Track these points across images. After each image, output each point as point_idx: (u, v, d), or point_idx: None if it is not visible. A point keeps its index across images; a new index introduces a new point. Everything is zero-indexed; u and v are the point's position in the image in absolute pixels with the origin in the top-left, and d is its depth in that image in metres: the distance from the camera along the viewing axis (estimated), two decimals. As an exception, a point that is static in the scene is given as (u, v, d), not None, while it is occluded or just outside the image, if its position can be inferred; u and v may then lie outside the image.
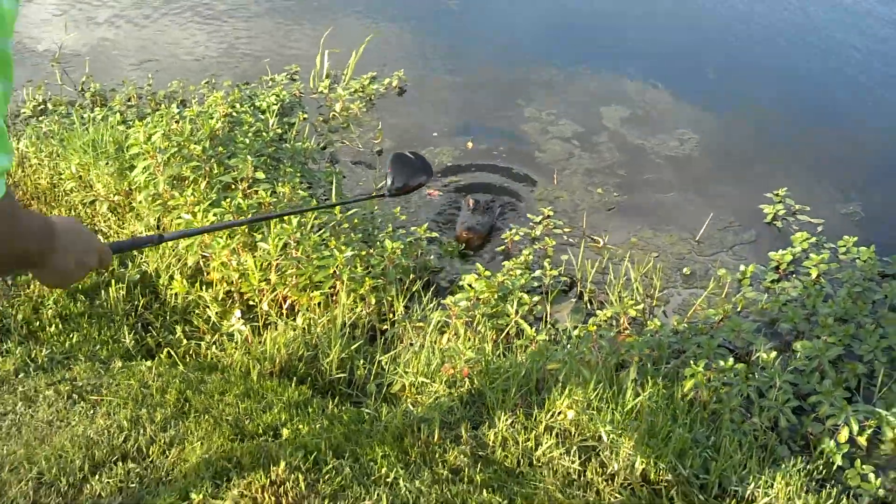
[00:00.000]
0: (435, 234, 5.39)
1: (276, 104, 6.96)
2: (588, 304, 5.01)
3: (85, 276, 1.87)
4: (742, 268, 5.21)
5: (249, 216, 4.77)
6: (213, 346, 4.44)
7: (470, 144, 6.86)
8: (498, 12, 9.81)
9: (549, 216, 5.86)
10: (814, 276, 5.02)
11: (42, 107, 7.24)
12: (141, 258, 5.05)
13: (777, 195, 5.96)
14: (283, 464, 3.32)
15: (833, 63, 8.41)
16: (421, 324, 4.45)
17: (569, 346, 4.18)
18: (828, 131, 7.09)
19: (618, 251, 5.55)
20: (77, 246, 1.76)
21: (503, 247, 5.56)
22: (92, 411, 3.68)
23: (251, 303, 4.69)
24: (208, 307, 4.63)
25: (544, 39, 9.04)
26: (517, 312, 4.44)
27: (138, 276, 4.88)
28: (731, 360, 4.09)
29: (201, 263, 4.91)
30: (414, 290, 4.75)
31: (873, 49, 8.61)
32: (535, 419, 3.79)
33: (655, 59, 8.47)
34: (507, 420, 3.76)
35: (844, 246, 5.29)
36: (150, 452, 3.44)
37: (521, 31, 9.24)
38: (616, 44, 8.87)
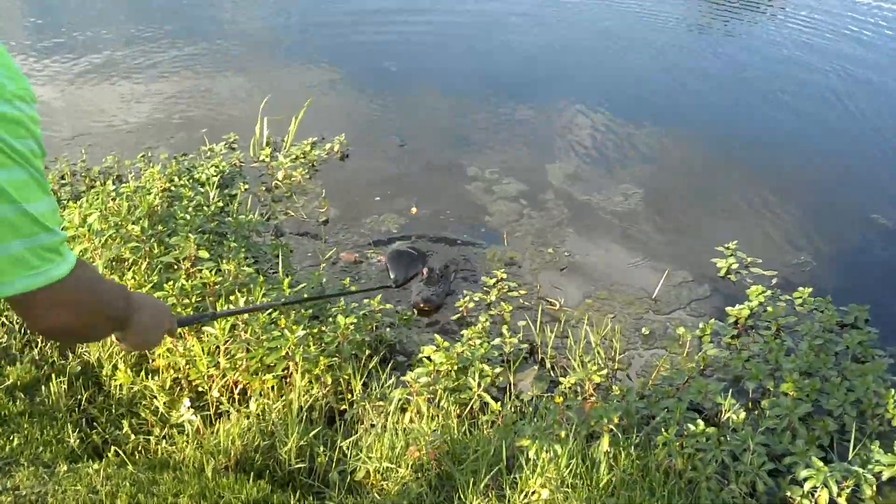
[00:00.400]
0: (388, 305, 5.23)
1: (217, 175, 6.78)
2: (551, 371, 4.89)
3: (163, 339, 2.12)
4: (701, 325, 5.17)
5: (195, 298, 4.58)
6: (163, 441, 4.19)
7: (414, 210, 6.77)
8: (437, 73, 9.84)
9: (501, 279, 5.76)
10: (773, 329, 5.00)
11: (-31, 189, 6.92)
12: (82, 348, 4.79)
13: (728, 248, 5.97)
14: (245, 572, 3.10)
15: (770, 110, 8.59)
16: (381, 402, 4.27)
17: (536, 419, 4.04)
18: (770, 182, 7.16)
19: (574, 313, 5.47)
20: (153, 310, 1.99)
21: (458, 315, 5.43)
22: (35, 525, 3.40)
23: (200, 389, 4.46)
24: (155, 397, 4.39)
25: (484, 96, 9.08)
26: (479, 385, 4.29)
27: (80, 367, 4.62)
28: (700, 424, 4.00)
29: (146, 351, 4.66)
30: (371, 365, 4.58)
31: (813, 94, 8.84)
32: (509, 502, 3.63)
33: (595, 110, 8.56)
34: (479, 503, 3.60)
35: (800, 297, 5.29)
36: (100, 568, 3.18)
37: (460, 90, 9.27)
38: (554, 96, 8.93)
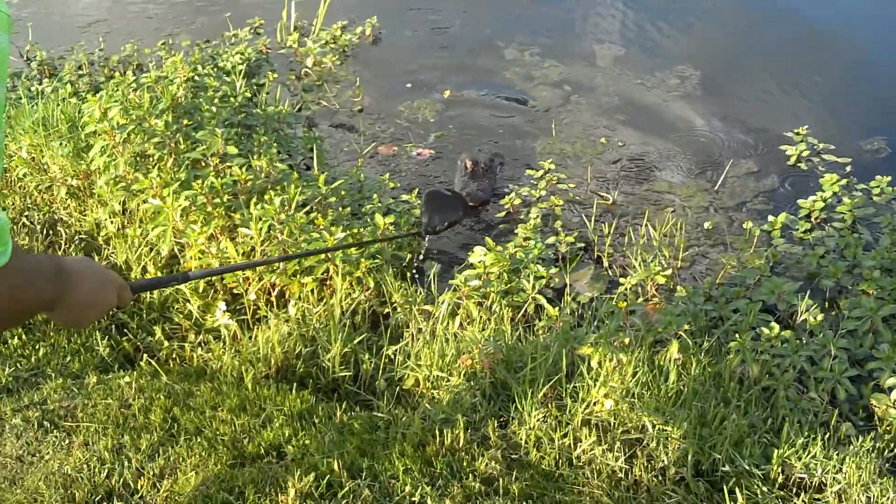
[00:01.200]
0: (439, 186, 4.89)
1: (242, 63, 6.35)
2: (609, 271, 4.56)
3: (104, 314, 1.89)
4: (770, 218, 4.79)
5: (226, 197, 4.27)
6: (199, 348, 3.97)
7: (447, 93, 6.34)
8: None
9: (549, 170, 5.38)
10: (850, 222, 4.62)
11: (-16, 81, 6.58)
12: (108, 249, 4.54)
13: (798, 133, 5.51)
14: (292, 491, 2.89)
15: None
16: (428, 307, 3.99)
17: (597, 324, 3.74)
18: (842, 59, 6.61)
19: (629, 208, 5.11)
20: (93, 284, 1.74)
21: (504, 212, 5.09)
22: (67, 441, 3.20)
23: (236, 292, 4.21)
24: (188, 301, 4.14)
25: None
26: (534, 288, 3.99)
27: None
28: (776, 327, 3.69)
29: (176, 252, 4.40)
30: (414, 266, 4.30)
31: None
32: (570, 412, 3.37)
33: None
34: (537, 415, 3.34)
35: (878, 186, 4.88)
36: (139, 487, 2.99)
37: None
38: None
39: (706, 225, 4.90)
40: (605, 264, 4.60)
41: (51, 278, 1.61)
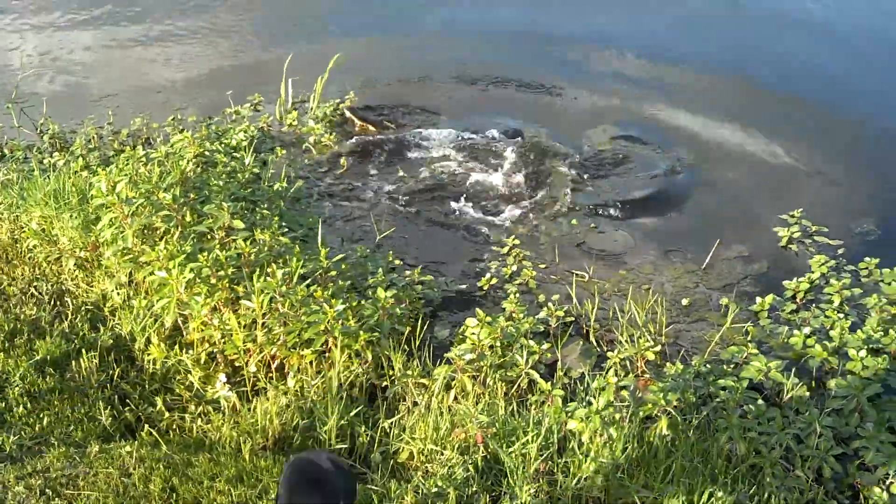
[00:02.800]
0: (429, 277, 5.02)
1: (247, 140, 6.56)
2: (597, 345, 4.67)
3: None
4: (758, 299, 4.92)
5: (229, 269, 4.40)
6: (199, 419, 4.05)
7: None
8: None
9: (514, 246, 5.57)
10: (837, 303, 4.74)
11: (-1, 153, 6.79)
12: (114, 320, 4.65)
13: (792, 216, 5.68)
14: (287, 562, 2.94)
15: (838, 63, 8.19)
16: (424, 380, 4.09)
17: (588, 398, 3.83)
18: (835, 144, 6.85)
19: (606, 285, 5.25)
20: None
21: (483, 287, 5.24)
22: (68, 509, 3.27)
23: (236, 364, 4.31)
24: (190, 372, 4.24)
25: (508, 50, 8.75)
26: (527, 362, 4.10)
27: (111, 340, 4.48)
28: (762, 405, 3.79)
29: (179, 323, 4.52)
30: (414, 339, 4.39)
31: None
32: (561, 487, 3.45)
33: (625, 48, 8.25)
34: (529, 490, 3.41)
35: (866, 268, 5.02)
36: (137, 556, 3.05)
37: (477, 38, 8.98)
38: (595, 60, 8.60)
39: (684, 301, 5.04)
40: (593, 340, 4.71)
41: None
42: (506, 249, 5.57)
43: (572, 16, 9.35)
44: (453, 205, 6.20)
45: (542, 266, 5.47)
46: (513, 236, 5.71)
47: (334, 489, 2.11)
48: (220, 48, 9.03)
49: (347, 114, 7.37)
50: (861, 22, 9.20)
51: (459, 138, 7.07)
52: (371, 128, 7.24)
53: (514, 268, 5.37)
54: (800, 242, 5.55)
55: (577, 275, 5.30)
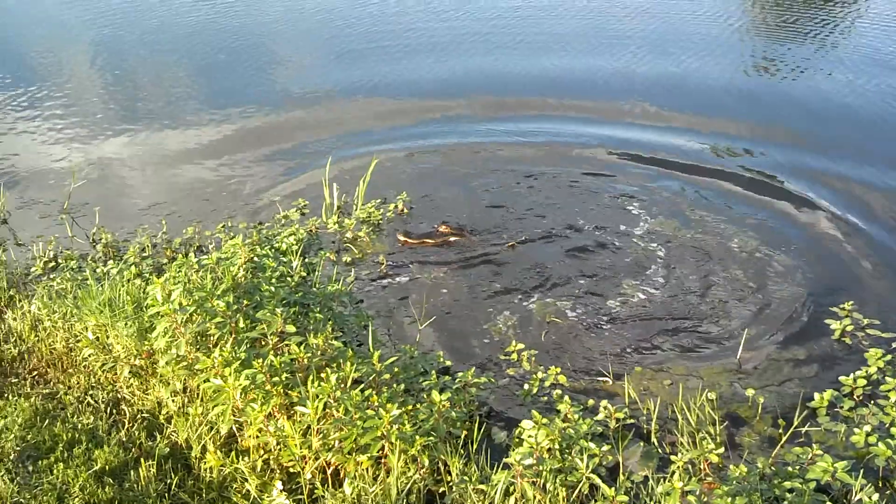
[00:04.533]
0: (483, 379, 5.01)
1: (297, 244, 6.69)
2: (658, 446, 4.60)
3: None
4: (816, 395, 4.84)
5: (283, 375, 4.44)
6: (256, 528, 4.02)
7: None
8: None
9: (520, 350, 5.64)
10: (894, 399, 4.66)
11: (53, 263, 6.96)
12: (170, 427, 4.68)
13: (843, 308, 5.65)
14: None
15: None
16: (483, 486, 4.04)
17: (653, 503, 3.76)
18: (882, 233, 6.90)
19: (651, 384, 5.20)
20: None
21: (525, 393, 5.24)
22: None
23: (292, 471, 4.30)
24: (246, 480, 4.24)
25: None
26: (588, 467, 4.04)
27: (168, 449, 4.50)
28: (832, 508, 3.69)
29: (235, 430, 4.53)
30: (472, 444, 4.36)
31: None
32: None
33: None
34: None
35: (922, 362, 4.96)
36: None
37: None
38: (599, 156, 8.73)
39: (736, 398, 4.97)
40: (654, 441, 4.64)
41: None
42: (514, 356, 5.58)
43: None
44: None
45: (571, 369, 5.46)
46: (514, 341, 5.74)
47: None
48: (268, 154, 9.31)
49: (401, 238, 7.27)
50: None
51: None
52: (428, 241, 7.24)
53: (537, 372, 5.36)
54: (853, 335, 5.48)
55: (603, 376, 5.30)
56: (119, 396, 5.01)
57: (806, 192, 7.71)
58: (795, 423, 4.56)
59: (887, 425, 4.52)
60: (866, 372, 4.94)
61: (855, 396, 4.86)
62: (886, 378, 4.86)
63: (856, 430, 4.49)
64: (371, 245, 7.19)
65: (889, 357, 5.07)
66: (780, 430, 4.61)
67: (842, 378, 4.98)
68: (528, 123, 9.82)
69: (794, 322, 5.76)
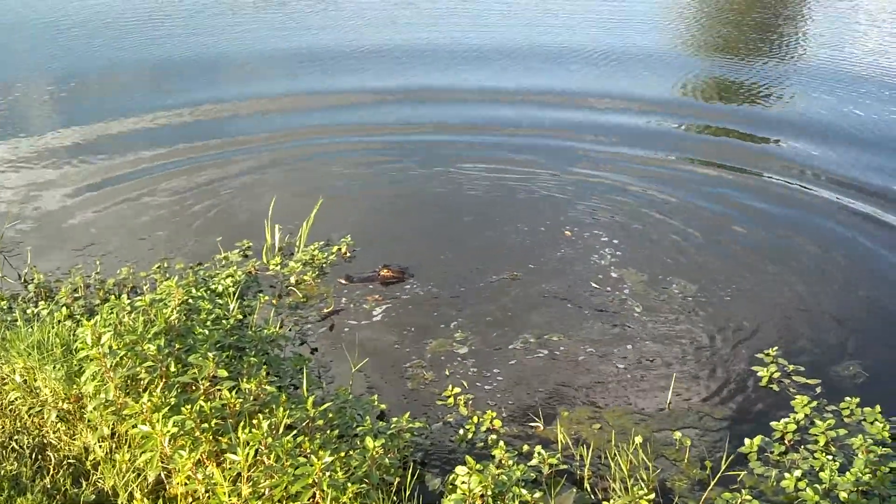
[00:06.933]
0: (419, 423, 4.98)
1: (234, 286, 6.62)
2: (591, 493, 4.61)
3: None
4: (746, 441, 4.91)
5: (213, 421, 4.36)
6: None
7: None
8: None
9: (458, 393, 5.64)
10: (822, 443, 4.75)
11: (-20, 303, 6.78)
12: (96, 474, 4.56)
13: (769, 355, 5.76)
14: None
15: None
16: (415, 534, 4.01)
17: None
18: (804, 278, 7.06)
19: (575, 429, 5.24)
20: None
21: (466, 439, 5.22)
22: None
23: (221, 518, 4.20)
24: (173, 529, 4.14)
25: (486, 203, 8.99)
26: (519, 513, 4.03)
27: (94, 496, 4.38)
28: (759, 554, 3.73)
29: (163, 477, 4.43)
30: (404, 493, 4.33)
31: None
32: None
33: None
34: None
35: (848, 408, 5.06)
36: None
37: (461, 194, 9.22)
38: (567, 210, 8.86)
39: (665, 445, 5.02)
40: (587, 486, 4.65)
41: None
42: (451, 400, 5.58)
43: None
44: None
45: (504, 413, 5.46)
46: (451, 385, 5.73)
47: None
48: (209, 195, 9.22)
49: (342, 282, 7.25)
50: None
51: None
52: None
53: (473, 417, 5.36)
54: (779, 382, 5.59)
55: (533, 422, 5.31)
56: (45, 441, 4.86)
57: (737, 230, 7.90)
58: (723, 468, 4.61)
59: (817, 469, 4.59)
60: (794, 419, 5.03)
61: (786, 441, 4.94)
62: (816, 421, 4.95)
63: (786, 474, 4.56)
64: (314, 287, 7.15)
65: (815, 403, 5.17)
66: (709, 474, 4.66)
67: (773, 424, 5.07)
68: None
69: (723, 367, 5.85)
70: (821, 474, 4.46)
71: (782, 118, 11.47)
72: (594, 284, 7.01)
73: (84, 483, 4.50)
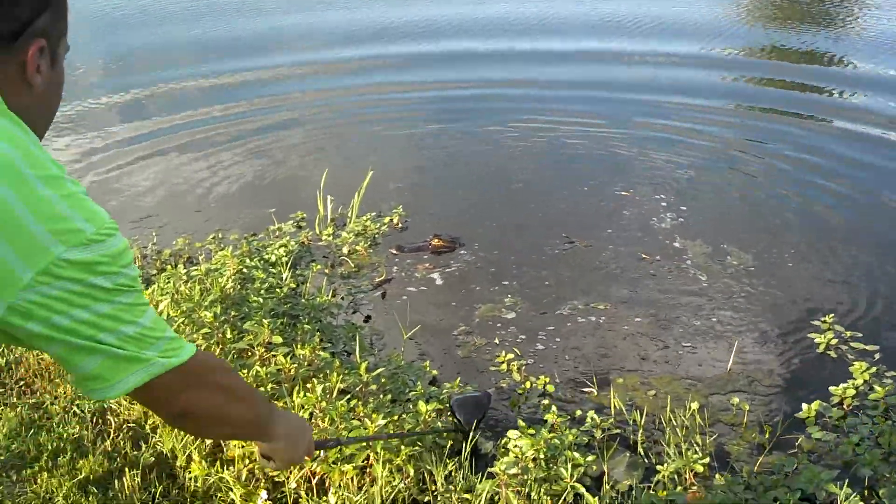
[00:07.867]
0: (469, 388, 5.00)
1: (287, 256, 6.69)
2: (644, 456, 4.59)
3: (307, 456, 2.22)
4: (804, 406, 4.84)
5: (269, 385, 4.44)
6: (240, 537, 4.00)
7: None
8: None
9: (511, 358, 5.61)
10: (881, 409, 4.67)
11: (42, 274, 6.94)
12: (155, 437, 4.67)
13: (825, 322, 5.66)
14: None
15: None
16: (468, 495, 4.03)
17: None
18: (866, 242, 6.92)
19: (640, 393, 5.19)
20: (295, 422, 2.05)
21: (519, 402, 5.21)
22: None
23: (277, 480, 4.29)
24: (231, 489, 4.22)
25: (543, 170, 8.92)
26: (572, 476, 4.03)
27: (153, 458, 4.49)
28: (816, 517, 3.68)
29: (221, 441, 4.52)
30: (460, 453, 4.36)
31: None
32: None
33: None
34: None
35: (907, 374, 4.96)
36: None
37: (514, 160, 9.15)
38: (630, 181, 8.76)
39: (724, 407, 4.96)
40: (641, 451, 4.63)
41: (265, 402, 1.90)
42: (504, 367, 5.55)
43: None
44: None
45: (557, 379, 5.44)
46: (503, 351, 5.71)
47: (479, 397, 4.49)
48: (261, 167, 9.32)
49: (393, 252, 7.26)
50: None
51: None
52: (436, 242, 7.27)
53: (525, 383, 5.34)
54: (837, 348, 5.48)
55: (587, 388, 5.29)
56: (105, 407, 4.98)
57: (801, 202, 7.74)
58: (780, 432, 4.55)
59: (875, 435, 4.51)
60: (853, 384, 4.94)
61: (844, 407, 4.85)
62: (875, 387, 4.86)
63: (844, 439, 4.50)
64: (366, 257, 7.20)
65: (874, 369, 5.07)
66: (767, 439, 4.61)
67: (831, 388, 4.98)
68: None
69: (780, 334, 5.75)
70: (880, 439, 4.38)
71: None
72: (645, 255, 6.92)
73: (143, 446, 4.60)
